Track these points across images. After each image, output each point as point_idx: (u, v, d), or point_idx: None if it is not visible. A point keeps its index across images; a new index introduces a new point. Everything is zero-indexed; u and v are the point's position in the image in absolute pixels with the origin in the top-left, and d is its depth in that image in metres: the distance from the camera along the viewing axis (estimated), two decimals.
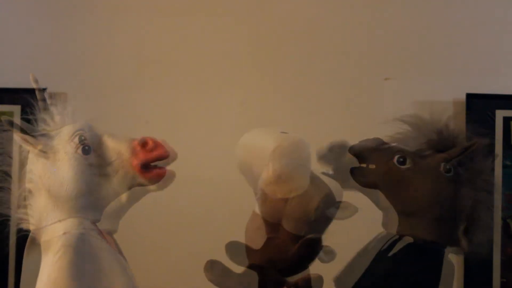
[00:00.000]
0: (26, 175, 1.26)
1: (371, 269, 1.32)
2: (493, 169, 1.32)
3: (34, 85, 1.28)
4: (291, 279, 1.32)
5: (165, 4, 1.90)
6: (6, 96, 1.81)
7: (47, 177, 1.24)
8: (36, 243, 1.25)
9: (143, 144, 1.27)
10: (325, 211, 1.31)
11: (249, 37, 1.88)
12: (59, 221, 1.24)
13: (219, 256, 1.32)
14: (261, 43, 1.88)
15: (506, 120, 1.79)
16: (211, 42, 1.89)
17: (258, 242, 1.32)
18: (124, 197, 1.31)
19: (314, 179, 1.33)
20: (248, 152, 1.37)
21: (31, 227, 1.25)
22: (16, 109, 1.81)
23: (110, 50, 1.90)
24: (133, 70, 1.88)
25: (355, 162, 1.35)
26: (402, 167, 1.32)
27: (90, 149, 1.25)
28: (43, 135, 1.26)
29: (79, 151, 1.24)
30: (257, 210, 1.35)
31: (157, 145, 1.28)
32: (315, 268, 1.34)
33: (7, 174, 1.27)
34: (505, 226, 1.74)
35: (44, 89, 1.30)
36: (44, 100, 1.28)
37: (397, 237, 1.32)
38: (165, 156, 1.28)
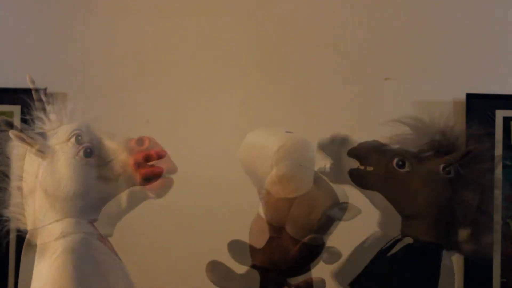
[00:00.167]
0: (14, 173, 1.26)
1: (370, 267, 1.32)
2: (492, 172, 1.32)
3: (30, 85, 1.28)
4: (293, 281, 1.31)
5: (165, 4, 1.90)
6: (6, 96, 1.81)
7: (44, 177, 1.23)
8: (32, 245, 1.25)
9: (140, 142, 1.27)
10: (327, 212, 1.31)
11: (249, 37, 1.88)
12: (56, 221, 1.23)
13: (220, 256, 1.32)
14: (261, 43, 1.88)
15: (506, 120, 1.79)
16: (211, 42, 1.89)
17: (261, 243, 1.32)
18: (123, 202, 1.31)
19: (318, 180, 1.33)
20: (252, 151, 1.37)
21: (28, 227, 1.25)
22: (16, 109, 1.81)
23: (110, 50, 1.90)
24: (133, 70, 1.88)
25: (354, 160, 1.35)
26: (401, 170, 1.32)
27: (92, 152, 1.25)
28: (40, 134, 1.26)
29: (81, 153, 1.24)
30: (261, 211, 1.35)
31: (154, 144, 1.28)
32: (317, 268, 1.34)
33: (5, 175, 1.27)
34: (505, 226, 1.74)
35: (40, 89, 1.30)
36: (40, 100, 1.28)
37: (399, 237, 1.32)
38: (163, 155, 1.28)
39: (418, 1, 1.88)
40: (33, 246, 1.25)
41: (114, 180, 1.27)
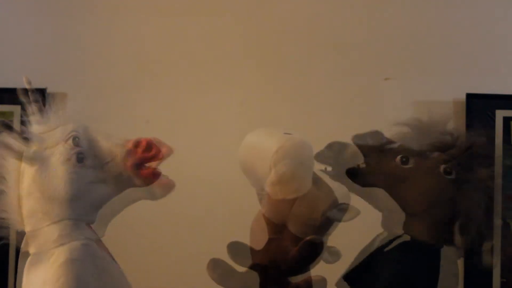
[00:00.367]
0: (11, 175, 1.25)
1: (365, 262, 1.33)
2: (492, 177, 1.31)
3: (27, 86, 1.28)
4: (293, 280, 1.31)
5: (165, 4, 1.90)
6: (6, 96, 1.81)
7: (41, 179, 1.23)
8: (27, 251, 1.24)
9: (137, 144, 1.27)
10: (326, 213, 1.31)
11: (249, 37, 1.88)
12: (54, 223, 1.23)
13: (219, 256, 1.32)
14: (261, 43, 1.88)
15: (506, 120, 1.79)
16: (211, 42, 1.89)
17: (262, 243, 1.32)
18: (115, 203, 1.31)
19: (318, 181, 1.33)
20: (251, 152, 1.37)
21: (25, 229, 1.25)
22: (16, 109, 1.81)
23: (110, 50, 1.89)
24: (133, 70, 1.88)
25: (355, 161, 1.35)
26: (405, 166, 1.32)
27: (84, 157, 1.24)
28: (37, 136, 1.25)
29: (73, 159, 1.23)
30: (263, 210, 1.35)
31: (151, 145, 1.28)
32: (318, 268, 1.34)
33: (2, 177, 1.27)
34: (505, 226, 1.74)
35: (38, 90, 1.29)
36: (37, 101, 1.28)
37: (401, 233, 1.32)
38: (159, 157, 1.28)
39: (418, 1, 1.88)
40: (27, 253, 1.24)
41: (111, 181, 1.27)
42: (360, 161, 1.35)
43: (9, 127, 1.22)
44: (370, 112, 1.84)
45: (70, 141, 1.24)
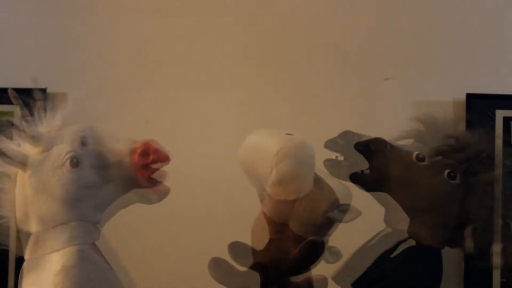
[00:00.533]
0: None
1: (372, 268, 1.32)
2: (497, 179, 1.31)
3: (33, 85, 1.27)
4: (294, 279, 1.32)
5: (165, 4, 1.90)
6: (6, 96, 1.80)
7: (49, 179, 1.23)
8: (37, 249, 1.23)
9: (144, 155, 1.27)
10: (327, 213, 1.31)
11: (249, 37, 1.88)
12: (62, 224, 1.23)
13: (220, 256, 1.32)
14: (261, 43, 1.88)
15: (506, 120, 1.79)
16: (211, 42, 1.89)
17: (263, 243, 1.32)
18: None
19: (319, 182, 1.33)
20: (252, 153, 1.37)
21: (32, 230, 1.24)
22: (16, 109, 1.81)
23: (110, 50, 1.89)
24: (133, 70, 1.88)
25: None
26: (421, 163, 1.31)
27: (79, 161, 1.24)
28: (45, 136, 1.25)
29: (67, 164, 1.23)
30: (264, 210, 1.35)
31: (158, 154, 1.27)
32: (320, 268, 1.34)
33: (6, 175, 1.27)
34: (505, 226, 1.74)
35: (43, 89, 1.30)
36: (43, 100, 1.28)
37: (406, 237, 1.32)
38: (167, 161, 1.27)
39: (418, 1, 1.88)
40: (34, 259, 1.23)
41: (118, 182, 1.26)
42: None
43: (17, 128, 1.22)
44: (370, 112, 1.84)
45: (79, 142, 1.24)
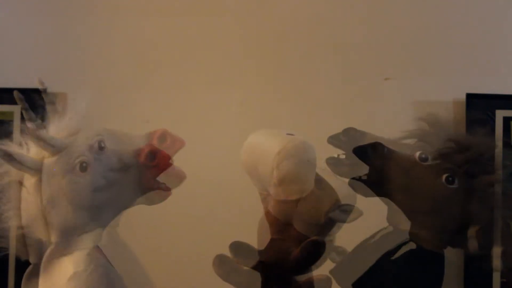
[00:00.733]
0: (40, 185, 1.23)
1: (373, 269, 1.32)
2: (499, 181, 1.31)
3: (40, 86, 1.25)
4: (295, 279, 1.32)
5: (165, 4, 1.90)
6: (6, 96, 1.81)
7: (60, 185, 1.21)
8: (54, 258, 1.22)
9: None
10: (328, 213, 1.31)
11: (249, 37, 1.88)
12: (86, 232, 1.22)
13: None
14: (261, 42, 1.88)
15: (506, 120, 1.78)
16: (211, 42, 1.89)
17: (265, 243, 1.33)
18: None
19: (321, 182, 1.33)
20: (254, 153, 1.37)
21: (53, 239, 1.23)
22: (16, 109, 1.81)
23: (110, 50, 1.89)
24: (133, 70, 1.88)
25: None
26: (424, 163, 1.31)
27: (88, 165, 1.22)
28: (63, 143, 1.22)
29: (77, 168, 1.21)
30: (265, 209, 1.35)
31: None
32: (325, 267, 1.34)
33: (22, 183, 1.24)
34: (505, 226, 1.73)
35: (38, 90, 1.28)
36: (52, 103, 1.25)
37: (407, 239, 1.31)
38: (160, 168, 1.27)
39: (418, 1, 1.88)
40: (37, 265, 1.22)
41: (134, 183, 1.25)
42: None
43: (36, 136, 1.19)
44: (370, 112, 1.84)
45: (96, 145, 1.22)
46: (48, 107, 1.25)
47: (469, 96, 1.79)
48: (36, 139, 1.19)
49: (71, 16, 1.90)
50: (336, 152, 1.39)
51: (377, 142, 1.34)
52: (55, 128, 1.24)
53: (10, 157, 1.19)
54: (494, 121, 1.78)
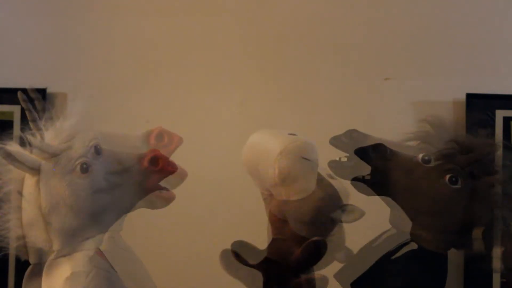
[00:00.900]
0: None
1: (373, 269, 1.32)
2: (501, 182, 1.31)
3: (31, 94, 1.24)
4: (296, 279, 1.31)
5: (165, 4, 1.90)
6: (6, 96, 1.81)
7: (67, 193, 1.20)
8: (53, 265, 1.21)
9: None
10: (329, 214, 1.31)
11: (249, 37, 1.88)
12: (87, 238, 1.21)
13: None
14: (261, 42, 1.88)
15: (506, 120, 1.79)
16: (211, 41, 1.89)
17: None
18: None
19: (322, 182, 1.33)
20: (255, 153, 1.37)
21: (55, 247, 1.22)
22: (16, 109, 1.81)
23: (110, 50, 1.89)
24: (133, 70, 1.88)
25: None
26: (426, 165, 1.31)
27: (88, 167, 1.21)
28: (59, 149, 1.21)
29: (77, 169, 1.20)
30: (267, 209, 1.35)
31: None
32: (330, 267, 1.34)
33: (19, 193, 1.24)
34: (505, 227, 1.73)
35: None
36: (45, 109, 1.24)
37: (408, 240, 1.31)
38: (164, 171, 1.27)
39: (418, 1, 1.88)
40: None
41: (134, 186, 1.25)
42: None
43: (30, 144, 1.19)
44: (370, 111, 1.84)
45: (93, 150, 1.21)
46: (43, 115, 1.24)
47: (469, 96, 1.80)
48: (30, 147, 1.19)
49: (71, 16, 1.90)
50: (336, 153, 1.39)
51: (379, 143, 1.34)
52: (53, 133, 1.23)
53: (11, 157, 1.18)
54: (494, 121, 1.78)
